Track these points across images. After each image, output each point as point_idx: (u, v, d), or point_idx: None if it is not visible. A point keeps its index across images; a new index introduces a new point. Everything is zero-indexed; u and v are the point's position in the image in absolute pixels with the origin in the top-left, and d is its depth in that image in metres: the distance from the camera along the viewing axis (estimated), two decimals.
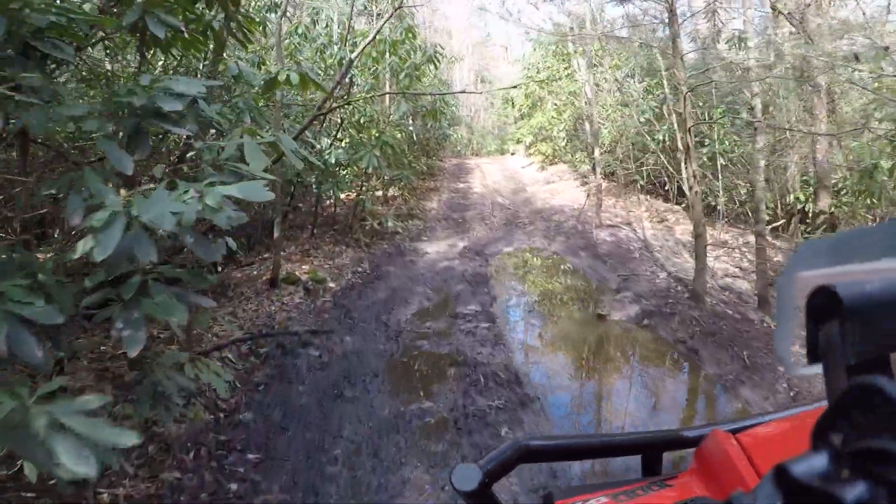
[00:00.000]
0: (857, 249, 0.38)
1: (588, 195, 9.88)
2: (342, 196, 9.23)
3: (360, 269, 6.94)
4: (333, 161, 6.59)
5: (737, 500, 0.29)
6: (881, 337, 0.36)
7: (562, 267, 7.23)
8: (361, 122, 7.77)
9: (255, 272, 6.49)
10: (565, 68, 14.23)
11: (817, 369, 0.38)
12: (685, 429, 0.73)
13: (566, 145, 13.74)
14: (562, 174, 13.63)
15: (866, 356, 0.35)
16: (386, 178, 9.79)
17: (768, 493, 0.27)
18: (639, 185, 11.70)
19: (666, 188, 11.46)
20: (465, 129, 23.71)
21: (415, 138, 11.78)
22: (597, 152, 9.25)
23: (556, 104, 13.68)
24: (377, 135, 7.40)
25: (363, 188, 8.56)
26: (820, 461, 0.26)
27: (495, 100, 28.65)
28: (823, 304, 0.36)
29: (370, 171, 7.94)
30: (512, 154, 19.72)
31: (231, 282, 6.09)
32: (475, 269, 7.02)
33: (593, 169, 12.26)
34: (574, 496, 0.60)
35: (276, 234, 5.56)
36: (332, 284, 6.28)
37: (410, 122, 10.49)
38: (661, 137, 10.39)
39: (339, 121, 7.71)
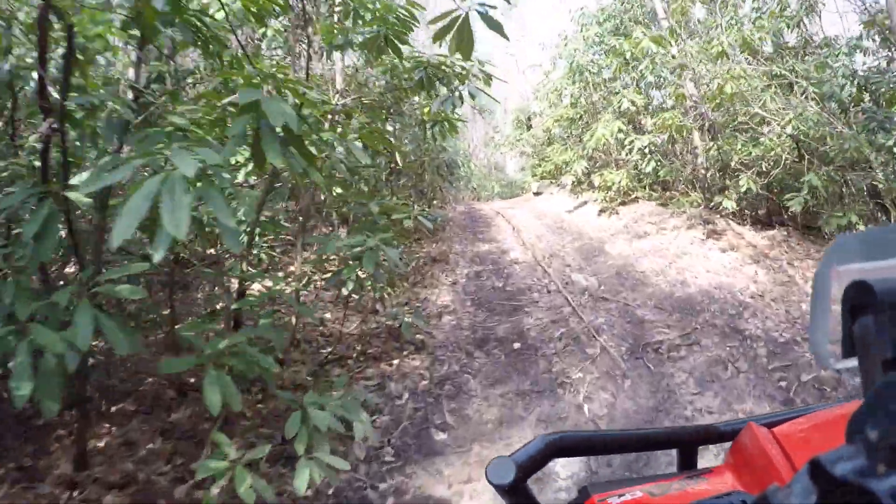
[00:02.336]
0: (892, 245, 0.38)
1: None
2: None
3: None
4: None
5: (772, 495, 0.28)
6: None
7: None
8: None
9: None
10: (632, 54, 8.78)
11: (853, 363, 0.36)
12: (721, 423, 0.72)
13: (655, 171, 8.11)
14: (654, 219, 7.92)
15: None
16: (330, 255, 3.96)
17: (804, 488, 0.26)
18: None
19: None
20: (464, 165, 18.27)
21: (395, 162, 6.12)
22: None
23: (631, 107, 8.11)
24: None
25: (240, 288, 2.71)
26: (856, 455, 0.26)
27: (497, 132, 23.47)
28: (859, 298, 0.35)
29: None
30: (538, 193, 14.12)
31: None
32: None
33: (739, 212, 6.58)
34: (610, 490, 0.58)
35: None
36: None
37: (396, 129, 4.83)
38: None
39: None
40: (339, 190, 4.26)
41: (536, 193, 14.39)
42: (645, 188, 8.84)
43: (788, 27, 7.17)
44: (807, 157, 5.68)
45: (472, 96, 3.77)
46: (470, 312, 5.01)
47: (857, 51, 6.87)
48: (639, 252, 6.83)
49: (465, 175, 9.82)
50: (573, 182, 9.37)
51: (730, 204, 6.21)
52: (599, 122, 8.69)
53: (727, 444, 0.68)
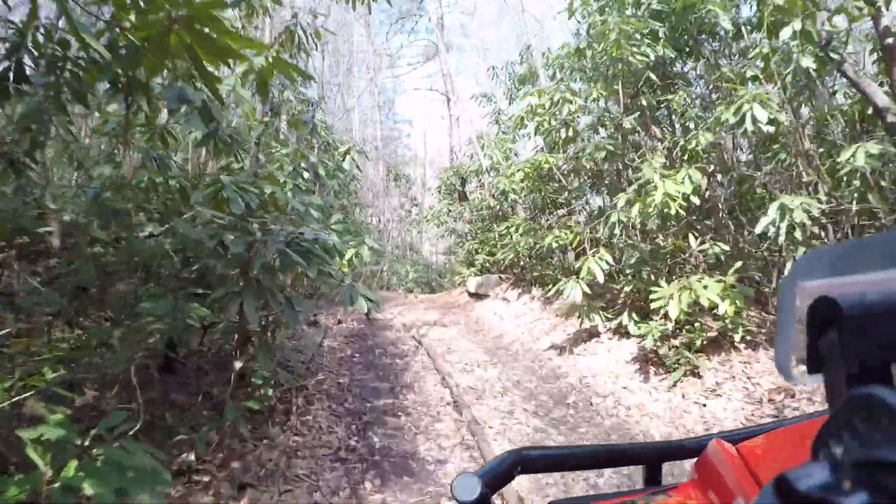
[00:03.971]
0: (858, 260, 0.37)
1: None
2: None
3: None
4: None
5: None
6: (882, 347, 0.32)
7: None
8: None
9: None
10: None
11: (818, 380, 0.36)
12: (686, 439, 0.70)
13: None
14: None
15: (867, 366, 0.31)
16: None
17: None
18: None
19: None
20: (367, 247, 13.08)
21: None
22: None
23: (766, 127, 3.38)
24: None
25: None
26: (821, 471, 0.25)
27: (415, 205, 18.77)
28: (824, 313, 0.34)
29: None
30: (478, 295, 9.08)
31: None
32: None
33: None
34: None
35: None
36: None
37: None
38: None
39: None
40: None
41: (475, 295, 9.31)
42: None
43: None
44: None
45: None
46: None
47: None
48: None
49: (337, 271, 4.29)
50: (582, 292, 4.36)
51: None
52: (648, 167, 3.89)
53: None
